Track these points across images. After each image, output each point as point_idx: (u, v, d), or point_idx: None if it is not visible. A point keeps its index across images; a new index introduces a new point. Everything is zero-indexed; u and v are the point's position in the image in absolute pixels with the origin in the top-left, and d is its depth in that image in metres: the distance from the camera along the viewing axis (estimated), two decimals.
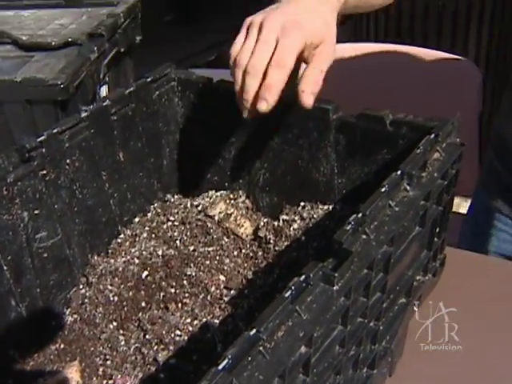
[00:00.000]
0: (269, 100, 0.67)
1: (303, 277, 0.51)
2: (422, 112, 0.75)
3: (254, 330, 0.46)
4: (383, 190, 0.60)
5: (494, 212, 1.07)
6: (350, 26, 2.66)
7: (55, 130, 0.75)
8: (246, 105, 0.69)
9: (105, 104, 0.81)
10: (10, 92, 1.00)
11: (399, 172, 0.63)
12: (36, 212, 0.74)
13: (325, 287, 0.52)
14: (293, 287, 0.50)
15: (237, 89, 0.70)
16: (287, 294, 0.49)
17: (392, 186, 0.61)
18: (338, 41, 0.72)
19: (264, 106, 0.68)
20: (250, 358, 0.45)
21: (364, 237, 0.57)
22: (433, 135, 0.68)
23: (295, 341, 0.48)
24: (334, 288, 0.52)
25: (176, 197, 0.96)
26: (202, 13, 3.36)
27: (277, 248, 0.81)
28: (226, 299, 0.76)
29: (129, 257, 0.84)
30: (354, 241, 0.55)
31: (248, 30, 0.71)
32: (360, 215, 0.57)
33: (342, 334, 0.55)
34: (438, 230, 0.72)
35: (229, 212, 0.88)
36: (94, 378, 0.70)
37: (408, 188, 0.63)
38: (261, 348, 0.46)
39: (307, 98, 0.69)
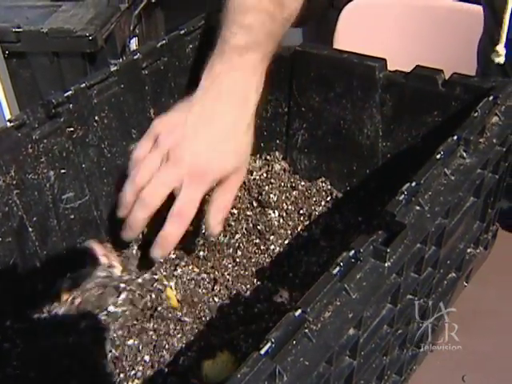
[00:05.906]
0: (165, 251, 0.65)
1: (352, 252, 0.46)
2: None
3: (300, 311, 0.42)
4: (438, 156, 0.55)
5: None
6: None
7: (83, 85, 0.71)
8: (131, 231, 0.66)
9: (135, 57, 0.76)
10: (37, 43, 0.95)
11: (455, 137, 0.58)
12: (63, 171, 0.70)
13: (376, 263, 0.47)
14: (341, 263, 0.45)
15: (123, 204, 0.66)
16: (335, 271, 0.45)
17: (448, 152, 0.56)
18: None
19: (159, 255, 0.65)
20: (294, 342, 0.41)
21: (418, 208, 0.52)
22: (491, 97, 0.63)
23: (343, 322, 0.43)
24: (386, 264, 0.47)
25: None
26: None
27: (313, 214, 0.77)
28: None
29: None
30: (407, 212, 0.50)
31: (156, 139, 0.66)
32: (414, 184, 0.52)
33: (392, 314, 0.51)
34: (492, 200, 0.67)
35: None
36: None
37: (465, 155, 0.58)
38: (306, 330, 0.42)
39: (214, 229, 0.68)
